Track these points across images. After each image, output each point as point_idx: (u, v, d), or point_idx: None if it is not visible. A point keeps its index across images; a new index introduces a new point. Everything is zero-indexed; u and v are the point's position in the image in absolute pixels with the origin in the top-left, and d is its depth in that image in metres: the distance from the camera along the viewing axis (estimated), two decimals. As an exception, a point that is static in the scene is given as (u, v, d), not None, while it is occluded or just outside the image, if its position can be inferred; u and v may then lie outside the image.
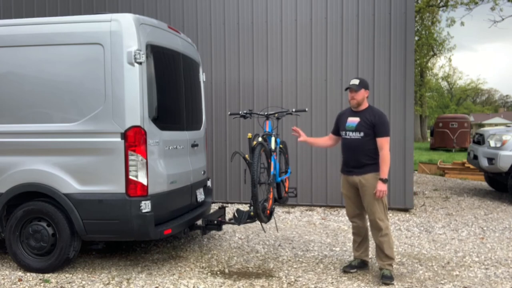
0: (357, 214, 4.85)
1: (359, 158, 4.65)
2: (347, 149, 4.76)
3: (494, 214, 7.83)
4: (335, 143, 5.11)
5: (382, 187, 4.51)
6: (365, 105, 4.74)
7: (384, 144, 4.56)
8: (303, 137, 5.11)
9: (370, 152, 4.61)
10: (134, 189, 4.49)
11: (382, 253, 4.62)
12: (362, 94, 4.68)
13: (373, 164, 4.61)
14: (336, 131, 4.96)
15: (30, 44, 4.76)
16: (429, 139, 32.79)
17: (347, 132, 4.73)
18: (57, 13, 8.59)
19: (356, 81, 4.73)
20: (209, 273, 4.83)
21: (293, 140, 8.02)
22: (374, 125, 4.59)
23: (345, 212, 7.67)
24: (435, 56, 38.43)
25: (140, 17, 4.71)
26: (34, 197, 4.76)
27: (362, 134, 4.63)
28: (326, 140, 5.18)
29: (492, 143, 9.14)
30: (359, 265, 4.88)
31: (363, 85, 4.71)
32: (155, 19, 5.20)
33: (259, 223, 5.08)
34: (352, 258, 5.07)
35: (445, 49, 37.37)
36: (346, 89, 4.77)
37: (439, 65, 54.78)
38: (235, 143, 8.33)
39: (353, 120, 4.71)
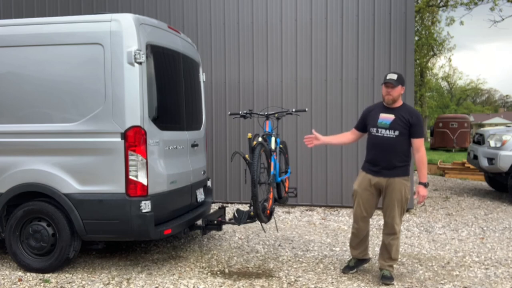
0: (363, 217, 4.61)
1: (390, 158, 4.36)
2: (377, 147, 4.43)
3: (494, 214, 7.83)
4: (356, 139, 4.83)
5: (423, 191, 4.30)
6: (400, 102, 4.44)
7: (420, 145, 4.32)
8: (321, 139, 4.76)
9: (403, 153, 4.37)
10: (134, 189, 4.49)
11: (388, 254, 4.54)
12: (399, 90, 4.36)
13: (402, 167, 4.38)
14: (362, 127, 4.66)
15: (30, 44, 4.76)
16: (429, 139, 32.76)
17: (379, 129, 4.40)
18: (57, 13, 8.59)
19: (394, 76, 4.35)
20: (209, 273, 4.83)
21: (293, 140, 8.04)
22: (412, 125, 4.31)
23: (345, 212, 7.72)
24: (435, 56, 38.40)
25: (140, 17, 4.71)
26: (34, 197, 4.76)
27: (397, 133, 4.33)
28: (347, 136, 4.84)
29: (492, 143, 9.14)
30: (356, 265, 4.81)
31: (401, 81, 4.36)
32: (155, 19, 5.20)
33: (259, 223, 5.07)
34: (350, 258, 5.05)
35: (445, 49, 37.34)
36: (383, 83, 4.40)
37: (439, 65, 54.72)
38: (235, 143, 8.33)
39: (387, 117, 4.39)
